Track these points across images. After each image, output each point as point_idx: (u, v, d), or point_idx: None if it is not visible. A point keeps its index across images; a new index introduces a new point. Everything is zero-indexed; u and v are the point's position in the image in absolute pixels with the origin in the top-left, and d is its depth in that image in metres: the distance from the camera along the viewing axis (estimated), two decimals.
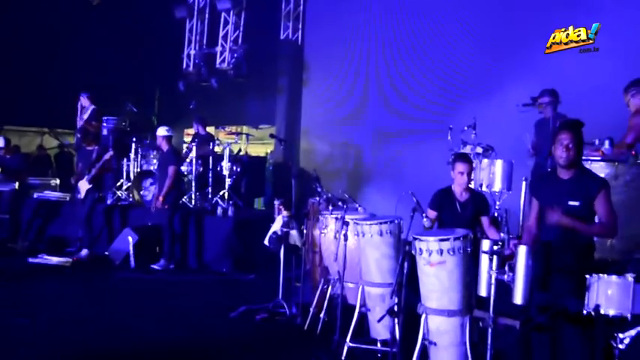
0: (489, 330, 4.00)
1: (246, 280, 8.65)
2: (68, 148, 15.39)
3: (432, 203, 5.73)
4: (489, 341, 3.99)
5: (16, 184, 10.31)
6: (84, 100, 11.29)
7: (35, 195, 10.62)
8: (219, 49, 14.03)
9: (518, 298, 3.96)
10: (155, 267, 8.93)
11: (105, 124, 11.63)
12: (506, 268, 4.02)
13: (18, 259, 9.38)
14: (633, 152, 5.58)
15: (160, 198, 8.97)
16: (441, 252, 4.38)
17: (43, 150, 15.75)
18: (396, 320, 4.68)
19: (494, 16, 9.61)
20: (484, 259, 4.12)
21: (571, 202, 4.30)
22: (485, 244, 4.12)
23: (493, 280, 3.99)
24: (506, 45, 9.00)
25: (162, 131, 9.40)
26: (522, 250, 3.96)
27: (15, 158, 10.99)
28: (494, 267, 4.02)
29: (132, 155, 11.04)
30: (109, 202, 10.47)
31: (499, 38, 9.34)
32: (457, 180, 5.69)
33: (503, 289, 4.04)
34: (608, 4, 7.78)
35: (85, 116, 11.12)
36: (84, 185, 9.52)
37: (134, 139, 11.15)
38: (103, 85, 12.69)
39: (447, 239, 4.39)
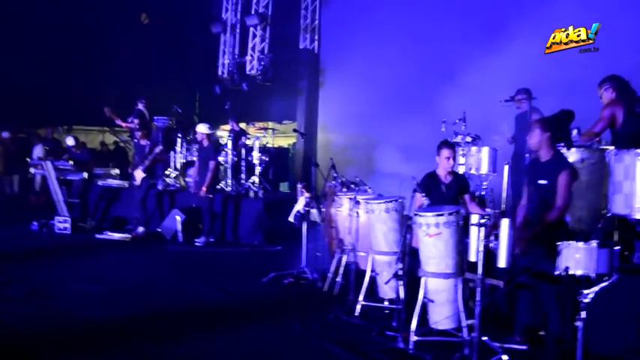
0: (478, 289, 4.07)
1: (274, 250, 8.74)
2: (124, 144, 15.56)
3: (420, 187, 5.36)
4: (478, 298, 4.05)
5: (85, 174, 10.44)
6: (140, 104, 11.51)
7: (100, 183, 10.73)
8: (248, 58, 14.03)
9: (502, 262, 4.02)
10: (197, 243, 9.00)
11: (155, 123, 11.76)
12: (492, 237, 4.07)
13: (87, 235, 9.59)
14: (598, 139, 5.56)
15: (204, 188, 8.97)
16: (438, 225, 4.44)
17: (104, 145, 16.00)
18: (400, 282, 4.78)
19: (495, 15, 9.12)
20: (473, 230, 4.17)
21: (540, 181, 4.43)
22: (474, 218, 4.16)
23: (481, 248, 4.05)
24: (507, 45, 8.30)
25: (203, 128, 9.30)
26: (505, 223, 4.02)
27: (83, 153, 11.14)
28: (481, 237, 4.07)
29: (178, 148, 11.15)
30: (159, 187, 10.56)
31: (500, 38, 8.62)
32: (443, 164, 5.45)
33: (490, 255, 4.11)
34: (608, 4, 7.21)
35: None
36: (139, 174, 9.64)
37: (179, 135, 11.24)
38: (154, 90, 12.85)
39: (443, 214, 4.46)
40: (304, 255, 6.89)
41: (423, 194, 5.01)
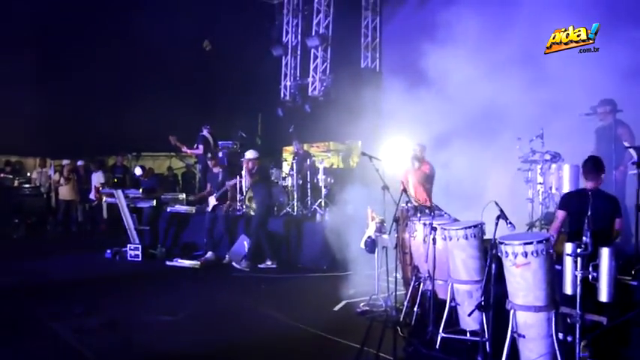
0: (577, 325, 3.71)
1: (343, 275, 8.38)
2: (190, 168, 15.84)
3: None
4: (578, 335, 3.70)
5: (154, 202, 10.62)
6: (204, 130, 11.71)
7: (168, 209, 10.89)
8: (310, 79, 14.09)
9: (603, 296, 3.66)
10: (261, 266, 9.01)
11: (220, 148, 11.90)
12: (590, 268, 3.71)
13: (158, 262, 9.73)
14: None
15: None
16: (526, 254, 4.12)
17: (171, 170, 16.34)
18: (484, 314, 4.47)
19: (494, 15, 8.61)
20: (568, 260, 3.82)
21: None
22: (568, 247, 3.83)
23: (579, 281, 3.70)
24: (506, 45, 7.95)
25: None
26: (605, 252, 3.66)
27: (151, 180, 11.34)
28: (578, 267, 3.72)
29: (243, 173, 11.16)
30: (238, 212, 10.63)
31: (499, 38, 8.21)
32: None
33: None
34: (608, 4, 6.97)
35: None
36: (212, 201, 9.82)
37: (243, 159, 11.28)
38: (218, 115, 13.05)
39: (531, 242, 4.13)
40: (377, 282, 6.63)
41: (509, 221, 4.59)
